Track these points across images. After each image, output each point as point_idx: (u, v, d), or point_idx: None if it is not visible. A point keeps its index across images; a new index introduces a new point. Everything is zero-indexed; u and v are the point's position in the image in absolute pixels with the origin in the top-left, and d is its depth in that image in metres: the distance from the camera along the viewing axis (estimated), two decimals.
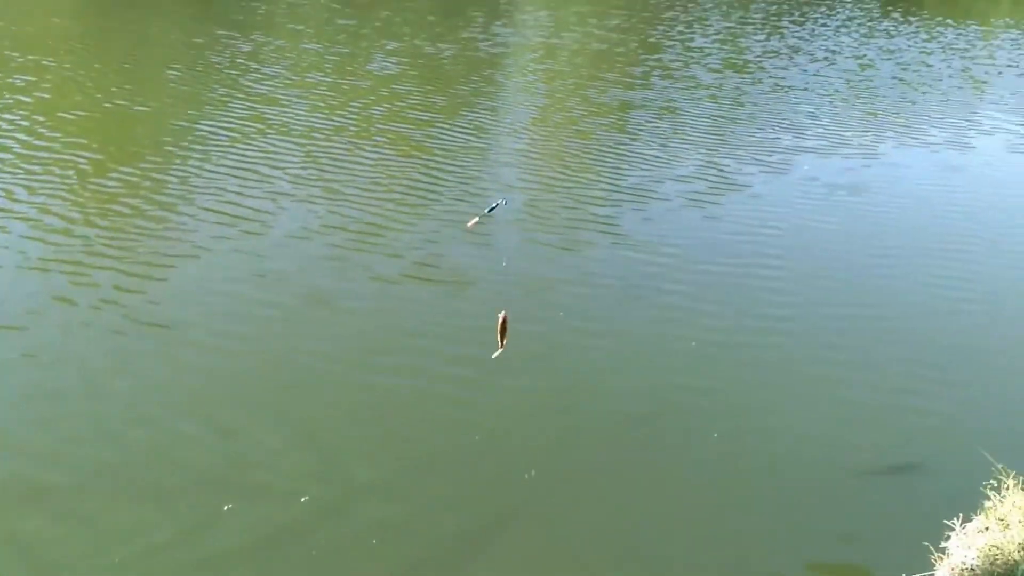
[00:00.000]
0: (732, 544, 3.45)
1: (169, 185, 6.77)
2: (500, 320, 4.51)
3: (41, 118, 8.22)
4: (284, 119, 8.61)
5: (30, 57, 10.43)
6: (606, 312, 5.23)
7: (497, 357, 4.34)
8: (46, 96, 8.99)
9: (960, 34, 15.40)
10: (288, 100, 9.30)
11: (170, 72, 10.24)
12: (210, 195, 6.57)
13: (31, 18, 13.14)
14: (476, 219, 6.99)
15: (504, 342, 4.39)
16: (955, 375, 4.70)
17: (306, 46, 12.05)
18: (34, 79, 9.50)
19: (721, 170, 7.80)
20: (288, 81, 10.13)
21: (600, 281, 5.61)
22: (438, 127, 8.67)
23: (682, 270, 5.79)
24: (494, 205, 6.51)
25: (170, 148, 7.67)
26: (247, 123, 8.40)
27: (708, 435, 4.10)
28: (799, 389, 4.58)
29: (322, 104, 9.25)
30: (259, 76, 10.21)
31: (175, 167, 7.15)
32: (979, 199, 7.48)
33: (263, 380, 4.40)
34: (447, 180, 7.18)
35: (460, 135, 8.46)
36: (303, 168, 7.27)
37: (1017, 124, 10.04)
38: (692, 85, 10.93)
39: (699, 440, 4.08)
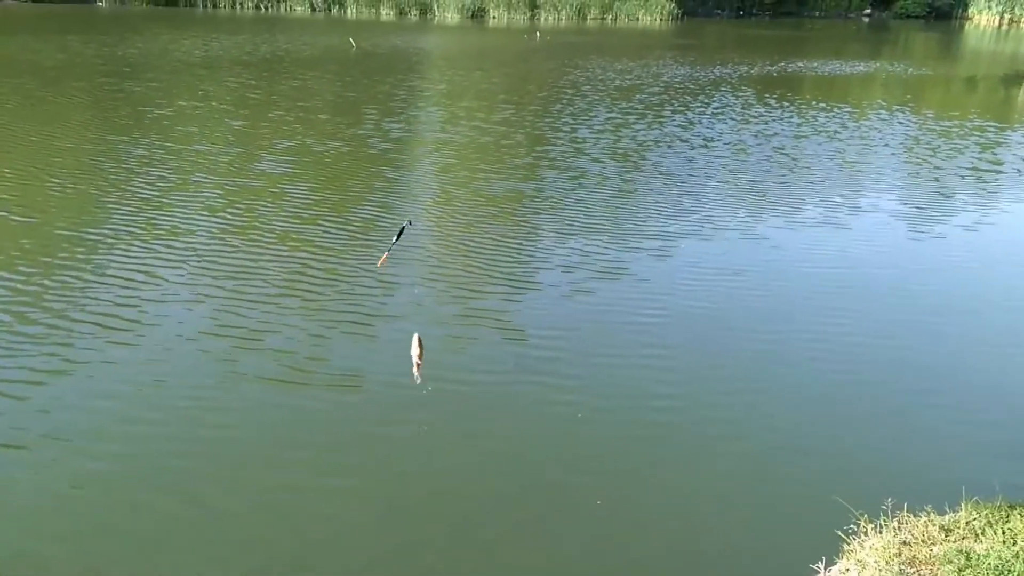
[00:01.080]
0: None
1: (44, 295, 6.43)
2: (415, 344, 4.66)
3: None
4: (171, 222, 8.41)
5: None
6: (490, 406, 5.19)
7: (418, 380, 4.77)
8: None
9: (833, 116, 16.39)
10: (176, 202, 9.11)
11: (55, 179, 9.89)
12: (88, 302, 6.29)
13: None
14: (386, 254, 6.99)
15: (420, 365, 4.62)
16: (820, 436, 4.95)
17: (197, 147, 11.87)
18: None
19: (606, 257, 7.92)
20: (176, 182, 9.94)
21: (487, 373, 5.55)
22: (326, 223, 8.60)
23: (567, 360, 5.81)
24: (401, 229, 6.49)
25: (47, 257, 7.32)
26: (133, 227, 8.17)
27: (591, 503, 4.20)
28: (677, 457, 4.73)
29: (210, 205, 9.07)
30: (148, 179, 10.01)
31: (53, 276, 6.83)
32: (854, 275, 7.80)
33: (135, 502, 4.13)
34: (336, 276, 7.08)
35: (349, 230, 8.41)
36: (189, 270, 7.06)
37: (890, 200, 10.63)
38: (577, 175, 11.20)
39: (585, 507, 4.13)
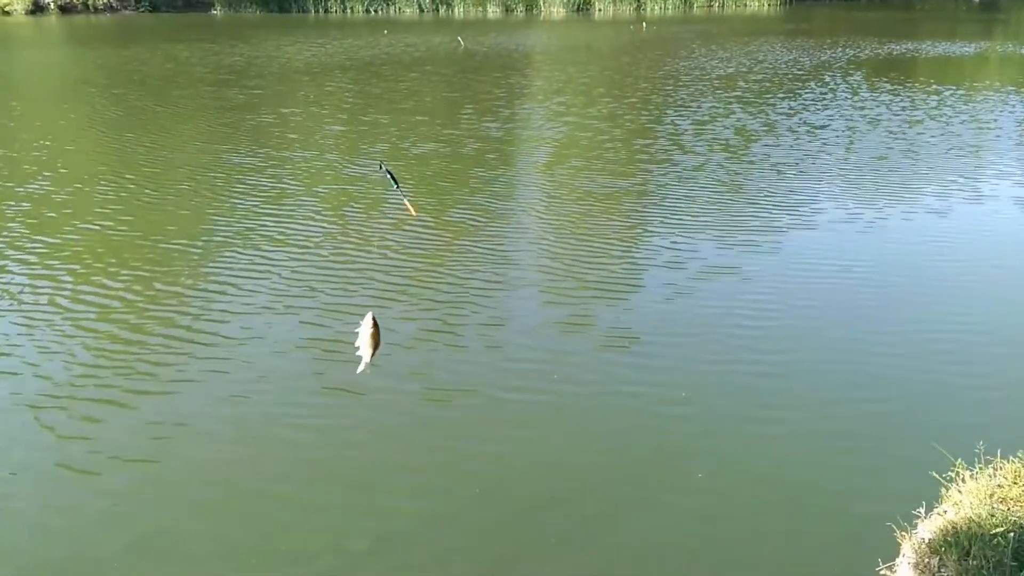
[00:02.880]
0: None
1: (142, 306, 6.50)
2: (368, 325, 3.64)
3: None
4: (272, 231, 8.36)
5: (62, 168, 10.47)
6: (588, 415, 4.88)
7: (362, 373, 3.74)
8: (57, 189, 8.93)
9: (946, 99, 15.23)
10: (275, 211, 9.11)
11: (154, 190, 9.97)
12: (190, 313, 6.30)
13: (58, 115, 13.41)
14: (406, 201, 6.63)
15: (373, 355, 3.63)
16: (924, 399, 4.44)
17: (299, 154, 12.00)
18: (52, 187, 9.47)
19: (712, 254, 7.47)
20: (275, 192, 9.95)
21: (586, 383, 5.24)
22: (423, 228, 8.43)
23: (671, 367, 5.44)
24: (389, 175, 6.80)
25: (147, 269, 7.43)
26: (233, 237, 8.18)
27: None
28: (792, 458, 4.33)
29: (309, 213, 9.05)
30: (248, 189, 9.99)
31: (153, 286, 6.88)
32: (972, 268, 7.11)
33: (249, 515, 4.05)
34: (431, 284, 6.89)
35: (446, 238, 8.20)
36: (283, 278, 6.98)
37: (1011, 188, 9.70)
38: (679, 168, 10.70)
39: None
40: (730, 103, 15.16)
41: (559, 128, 13.58)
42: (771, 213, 8.82)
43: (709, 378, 5.27)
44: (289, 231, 8.29)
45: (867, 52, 22.95)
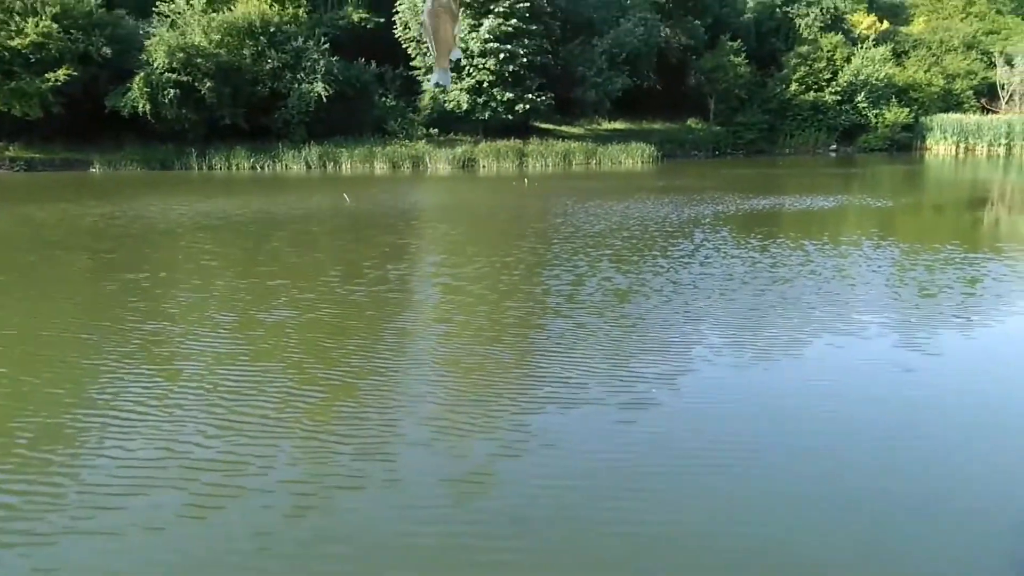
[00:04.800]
0: None
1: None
2: None
3: None
4: (159, 392, 6.97)
5: None
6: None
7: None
8: None
9: (813, 250, 15.27)
10: (165, 371, 7.71)
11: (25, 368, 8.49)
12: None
13: None
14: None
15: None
16: None
17: (187, 316, 10.62)
18: None
19: (582, 421, 6.47)
20: (164, 356, 8.57)
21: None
22: (320, 386, 7.17)
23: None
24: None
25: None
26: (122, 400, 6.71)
27: None
28: None
29: (198, 373, 7.67)
30: (138, 351, 8.65)
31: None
32: (843, 407, 6.32)
33: None
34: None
35: (349, 402, 6.95)
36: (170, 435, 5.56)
37: (886, 330, 9.25)
38: (558, 327, 9.88)
39: None
40: (600, 261, 14.71)
41: (428, 291, 12.69)
42: (642, 373, 8.03)
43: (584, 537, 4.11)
44: (180, 392, 6.86)
45: (734, 207, 23.55)
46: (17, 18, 39.37)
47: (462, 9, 34.82)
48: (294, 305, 11.51)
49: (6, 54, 39.02)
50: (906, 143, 58.44)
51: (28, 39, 39.08)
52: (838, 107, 57.24)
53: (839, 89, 56.99)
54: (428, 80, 46.88)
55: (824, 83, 57.37)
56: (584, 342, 9.59)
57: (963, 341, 9.73)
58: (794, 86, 56.98)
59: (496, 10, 44.56)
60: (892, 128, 57.25)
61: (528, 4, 45.01)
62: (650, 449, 6.67)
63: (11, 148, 41.69)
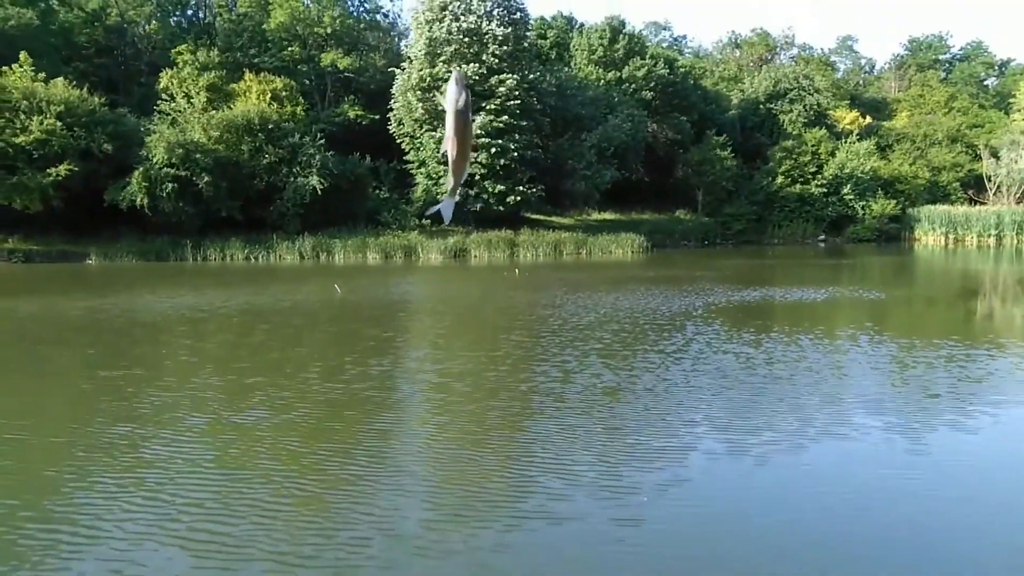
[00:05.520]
0: None
1: None
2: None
3: None
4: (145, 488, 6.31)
5: None
6: None
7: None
8: None
9: (805, 343, 14.76)
10: (153, 467, 7.06)
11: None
12: None
13: None
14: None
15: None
16: None
17: (171, 412, 10.01)
18: None
19: (581, 514, 5.81)
20: (151, 453, 7.93)
21: None
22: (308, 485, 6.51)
23: None
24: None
25: None
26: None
27: None
28: None
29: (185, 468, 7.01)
30: (124, 446, 8.01)
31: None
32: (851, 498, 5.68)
33: None
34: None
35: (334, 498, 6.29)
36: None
37: (882, 422, 8.64)
38: (549, 422, 9.25)
39: None
40: (589, 356, 14.17)
41: (410, 390, 12.10)
42: (634, 482, 7.40)
43: None
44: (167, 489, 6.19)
45: (725, 299, 23.19)
46: (22, 116, 39.85)
47: None
48: (269, 405, 10.89)
49: (10, 150, 39.29)
50: (894, 234, 58.88)
51: (32, 136, 39.45)
52: (825, 199, 57.88)
53: (825, 181, 57.76)
54: (420, 182, 47.28)
55: (810, 176, 58.19)
56: (572, 446, 8.98)
57: (968, 445, 9.14)
58: (780, 179, 57.76)
59: (488, 107, 45.38)
60: (880, 219, 57.77)
61: (519, 102, 45.91)
62: (644, 573, 6.02)
63: (10, 240, 41.55)
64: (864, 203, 57.81)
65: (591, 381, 12.11)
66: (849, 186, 57.64)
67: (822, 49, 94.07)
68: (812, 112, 63.45)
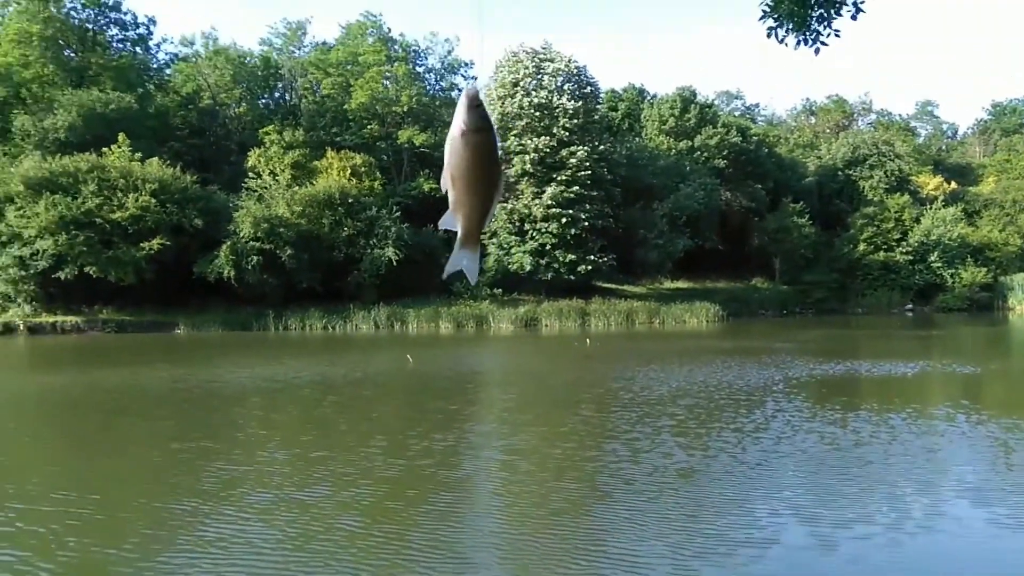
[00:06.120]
0: None
1: None
2: None
3: None
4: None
5: None
6: None
7: None
8: None
9: (898, 422, 13.72)
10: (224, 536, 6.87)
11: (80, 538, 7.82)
12: None
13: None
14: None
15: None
16: None
17: (243, 485, 9.89)
18: None
19: None
20: (223, 523, 7.77)
21: None
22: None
23: None
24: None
25: None
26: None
27: None
28: None
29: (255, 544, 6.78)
30: (201, 514, 7.88)
31: None
32: None
33: None
34: None
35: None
36: None
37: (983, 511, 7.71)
38: (626, 499, 8.65)
39: None
40: (661, 433, 13.46)
41: (473, 467, 11.65)
42: (716, 566, 6.72)
43: None
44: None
45: (807, 372, 22.09)
46: (119, 194, 42.10)
47: (526, 178, 35.73)
48: (332, 482, 10.61)
49: (107, 226, 41.45)
50: (986, 303, 55.92)
51: (128, 212, 41.56)
52: (911, 267, 55.63)
53: (910, 249, 55.62)
54: (492, 252, 47.56)
55: (894, 243, 56.16)
56: (641, 535, 8.33)
57: None
58: (862, 246, 55.89)
59: (559, 178, 45.69)
60: (970, 288, 55.02)
61: (589, 172, 46.08)
62: None
63: (105, 311, 43.45)
64: (953, 271, 55.29)
65: (662, 462, 11.41)
66: (936, 253, 55.30)
67: (901, 115, 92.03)
68: (894, 178, 61.71)
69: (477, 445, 13.19)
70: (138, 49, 58.31)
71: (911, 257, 55.61)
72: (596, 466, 11.35)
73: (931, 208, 58.09)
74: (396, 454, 12.23)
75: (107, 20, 56.15)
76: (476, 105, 2.75)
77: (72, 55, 54.91)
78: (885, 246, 56.11)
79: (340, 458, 11.97)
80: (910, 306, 55.75)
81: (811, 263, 56.45)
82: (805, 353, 27.66)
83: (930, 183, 66.08)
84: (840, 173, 63.97)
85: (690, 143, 59.40)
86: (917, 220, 56.90)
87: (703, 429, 13.84)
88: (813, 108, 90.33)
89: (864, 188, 61.58)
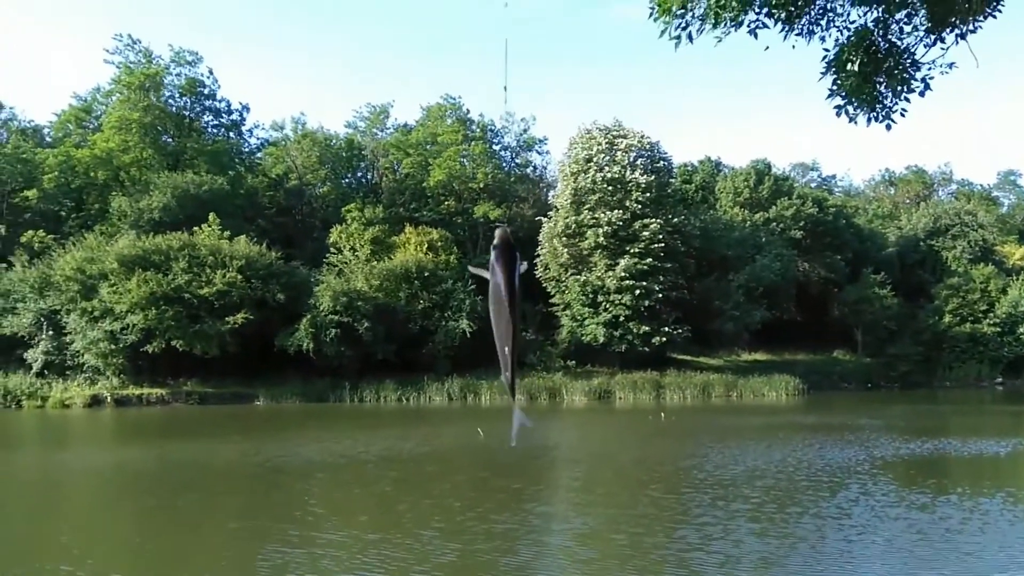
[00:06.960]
0: None
1: None
2: None
3: None
4: None
5: None
6: None
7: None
8: None
9: (994, 507, 12.37)
10: None
11: None
12: None
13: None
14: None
15: None
16: None
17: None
18: None
19: None
20: None
21: None
22: None
23: None
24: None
25: None
26: None
27: None
28: None
29: None
30: None
31: None
32: None
33: None
34: None
35: None
36: None
37: None
38: None
39: None
40: (734, 518, 12.45)
41: (530, 554, 10.91)
42: None
43: None
44: None
45: (893, 451, 20.50)
46: (208, 270, 43.56)
47: (599, 251, 35.07)
48: (383, 568, 10.07)
49: (195, 301, 42.77)
50: None
51: (215, 288, 42.85)
52: (999, 338, 52.23)
53: (998, 320, 52.34)
54: (565, 324, 46.94)
55: (980, 314, 52.99)
56: None
57: None
58: (948, 317, 52.93)
59: (632, 250, 45.12)
60: None
61: (663, 244, 45.36)
62: None
63: (188, 383, 44.46)
64: None
65: (734, 551, 10.47)
66: None
67: (982, 184, 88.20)
68: (978, 248, 58.81)
69: (538, 528, 12.46)
70: (232, 134, 61.28)
71: (999, 329, 52.25)
72: (663, 554, 10.49)
73: (1018, 278, 54.87)
74: (453, 537, 11.62)
75: (203, 108, 59.33)
76: (494, 246, 3.02)
77: (169, 140, 58.03)
78: (972, 317, 52.95)
79: (395, 541, 11.43)
80: (1000, 379, 52.11)
81: (894, 335, 53.67)
82: (890, 430, 25.83)
83: (1016, 253, 62.70)
84: (922, 243, 61.41)
85: (765, 215, 58.13)
86: (1004, 291, 53.69)
87: (779, 514, 12.75)
88: (892, 179, 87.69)
89: (947, 258, 58.82)
